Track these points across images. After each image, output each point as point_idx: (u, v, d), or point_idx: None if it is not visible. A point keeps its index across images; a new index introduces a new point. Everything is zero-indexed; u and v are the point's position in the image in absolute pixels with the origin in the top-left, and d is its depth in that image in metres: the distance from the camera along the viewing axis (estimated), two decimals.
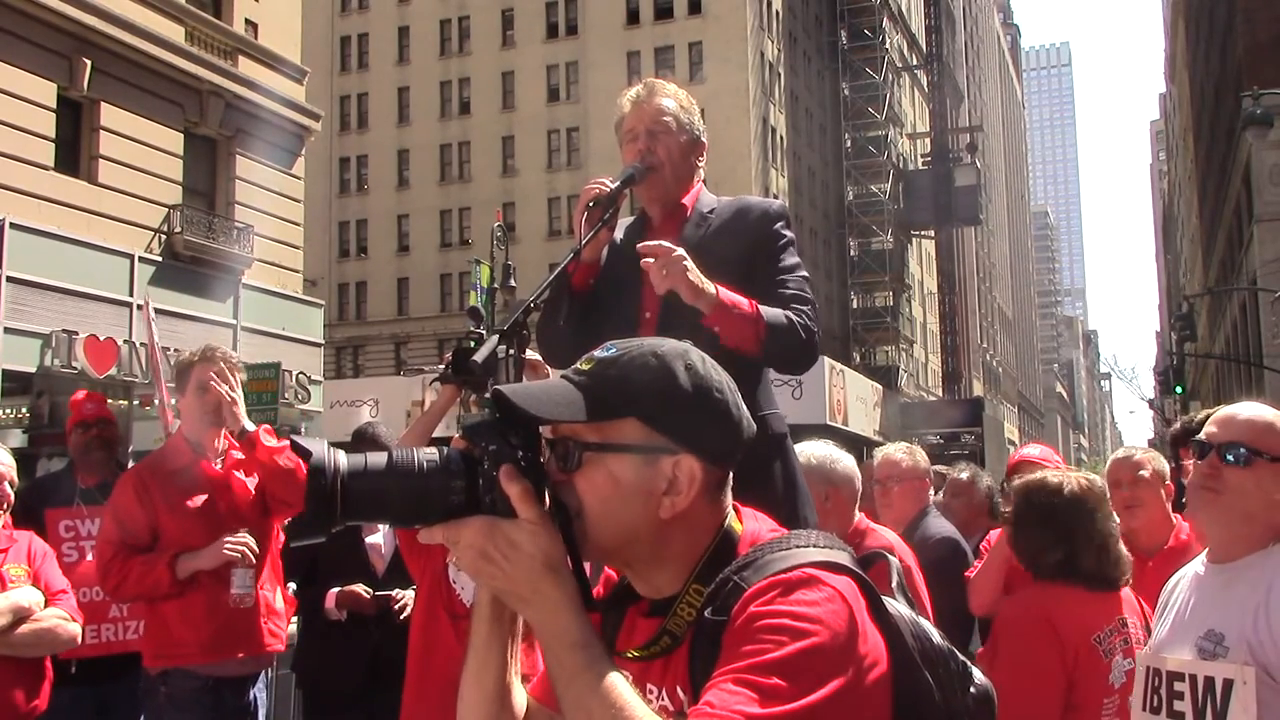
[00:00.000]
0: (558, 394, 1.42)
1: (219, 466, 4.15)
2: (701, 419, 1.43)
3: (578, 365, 1.47)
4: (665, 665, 1.43)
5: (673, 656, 1.40)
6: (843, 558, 1.39)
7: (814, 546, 1.39)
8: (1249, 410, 2.40)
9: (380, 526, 4.62)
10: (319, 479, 1.30)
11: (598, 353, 1.46)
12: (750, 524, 1.49)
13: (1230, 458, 2.32)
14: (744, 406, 1.48)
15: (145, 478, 4.06)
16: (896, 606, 1.40)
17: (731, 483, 1.50)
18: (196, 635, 3.92)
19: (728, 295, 2.72)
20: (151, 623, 4.06)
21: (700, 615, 1.38)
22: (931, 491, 4.96)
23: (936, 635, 1.42)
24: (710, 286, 2.69)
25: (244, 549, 3.98)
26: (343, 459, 1.32)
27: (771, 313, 2.81)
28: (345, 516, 1.31)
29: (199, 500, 4.04)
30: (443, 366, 2.54)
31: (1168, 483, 3.97)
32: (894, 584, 1.47)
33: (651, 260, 2.65)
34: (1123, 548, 3.13)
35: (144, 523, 3.97)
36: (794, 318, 2.85)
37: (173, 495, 4.02)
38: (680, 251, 2.66)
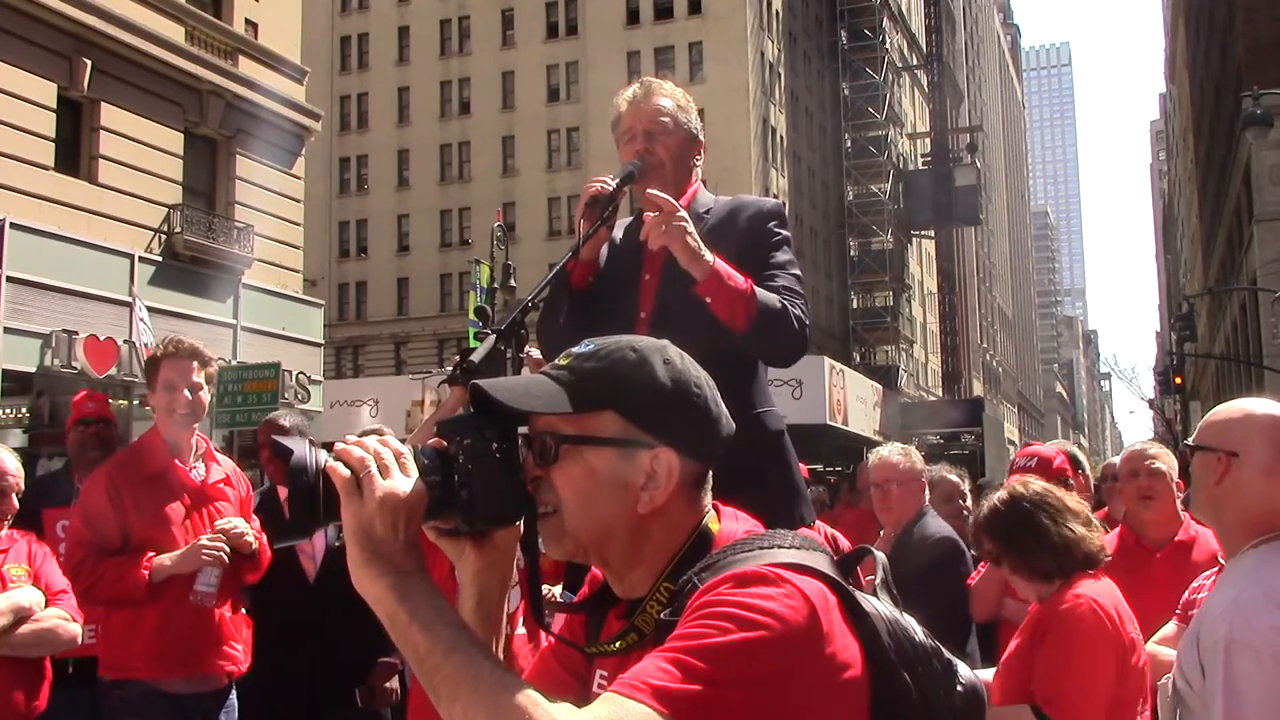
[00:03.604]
0: (537, 388, 1.42)
1: (199, 470, 4.04)
2: (680, 413, 1.42)
3: (556, 361, 1.47)
4: (637, 662, 1.42)
5: (642, 653, 1.37)
6: (814, 559, 1.35)
7: (782, 548, 1.37)
8: (1215, 411, 2.45)
9: None
10: (300, 478, 1.29)
11: (575, 349, 1.47)
12: (728, 524, 1.47)
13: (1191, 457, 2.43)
14: (723, 405, 1.48)
15: (116, 479, 3.90)
16: (876, 605, 1.38)
17: (720, 479, 1.49)
18: (144, 650, 3.80)
19: (723, 267, 2.70)
20: (104, 630, 3.95)
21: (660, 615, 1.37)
22: (927, 492, 4.96)
23: (919, 633, 1.40)
24: (707, 253, 2.68)
25: (220, 552, 3.87)
26: (324, 457, 1.31)
27: (766, 295, 2.79)
28: (328, 516, 1.30)
29: (173, 506, 3.92)
30: (450, 368, 2.54)
31: (1178, 479, 4.00)
32: (878, 581, 1.44)
33: (653, 214, 2.64)
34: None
35: (114, 525, 3.83)
36: (788, 305, 2.83)
37: (144, 499, 3.89)
38: (684, 214, 2.66)
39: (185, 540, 3.90)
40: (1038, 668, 2.88)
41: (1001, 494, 3.17)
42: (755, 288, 2.77)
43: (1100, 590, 2.97)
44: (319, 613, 4.39)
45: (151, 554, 3.83)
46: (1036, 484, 3.19)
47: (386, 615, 1.28)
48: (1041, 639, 2.92)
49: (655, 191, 2.70)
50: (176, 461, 4.00)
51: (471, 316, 23.47)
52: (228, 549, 3.91)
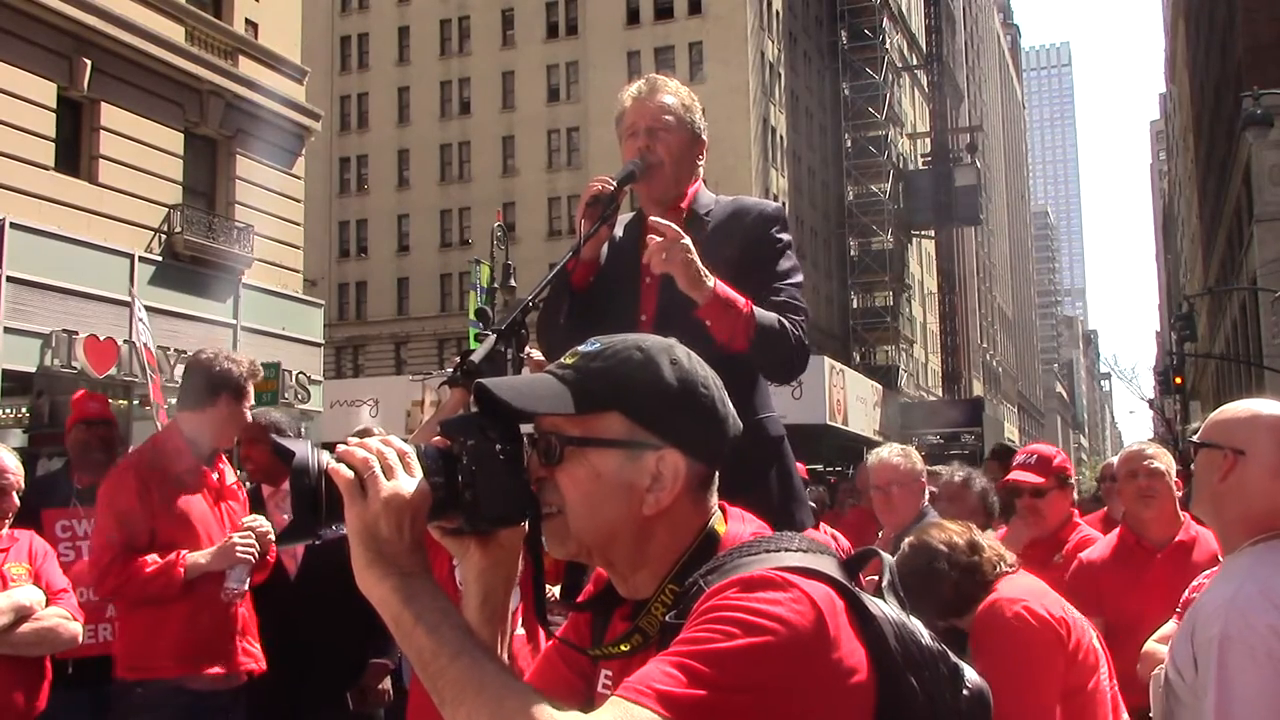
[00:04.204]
0: (541, 388, 1.40)
1: (216, 475, 4.11)
2: (686, 414, 1.40)
3: (561, 360, 1.45)
4: (642, 664, 1.41)
5: (647, 656, 1.36)
6: (821, 562, 1.34)
7: (789, 551, 1.36)
8: (1222, 409, 2.45)
9: None
10: (302, 480, 1.28)
11: (582, 347, 1.45)
12: (735, 525, 1.45)
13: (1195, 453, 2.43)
14: (730, 404, 1.46)
15: (145, 478, 3.95)
16: (882, 608, 1.36)
17: (720, 484, 1.48)
18: (171, 648, 3.82)
19: (724, 290, 2.71)
20: (124, 630, 3.96)
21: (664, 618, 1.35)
22: (927, 492, 4.95)
23: (926, 636, 1.38)
24: (709, 279, 2.68)
25: (252, 550, 3.94)
26: (326, 458, 1.30)
27: (765, 315, 2.80)
28: (330, 518, 1.30)
29: (197, 505, 3.98)
30: (450, 370, 2.53)
31: (1176, 479, 4.01)
32: (885, 583, 1.42)
33: (657, 238, 2.64)
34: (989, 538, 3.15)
35: (145, 523, 3.87)
36: (787, 324, 2.84)
37: (171, 498, 3.93)
38: (687, 240, 2.66)
39: (208, 538, 3.94)
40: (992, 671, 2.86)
41: (920, 534, 3.15)
42: (754, 308, 2.77)
43: (1020, 587, 2.94)
44: (301, 610, 4.38)
45: (183, 551, 3.86)
46: (913, 540, 3.15)
47: (391, 617, 1.27)
48: (977, 660, 2.91)
49: (659, 220, 2.70)
50: (203, 466, 4.08)
51: (472, 317, 23.49)
52: (258, 545, 3.98)
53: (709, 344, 2.62)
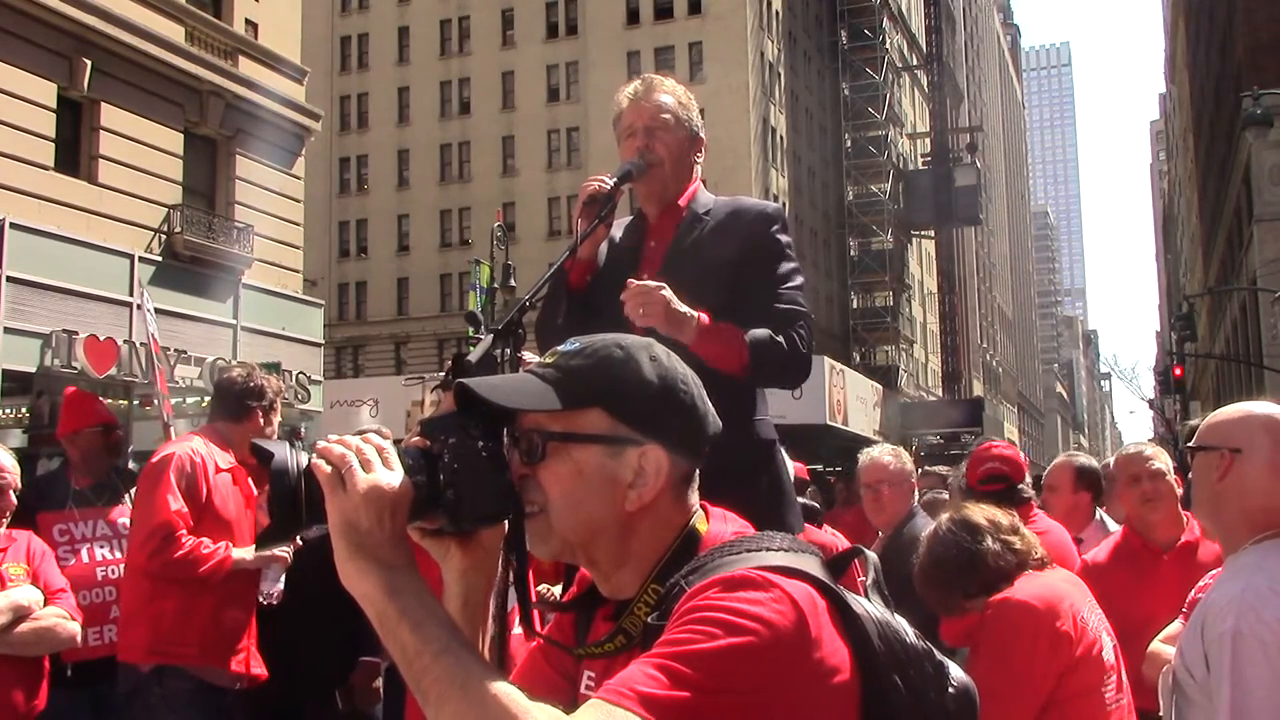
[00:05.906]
0: (523, 385, 1.41)
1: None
2: (667, 410, 1.41)
3: (542, 359, 1.46)
4: (625, 665, 1.41)
5: (631, 656, 1.34)
6: (804, 562, 1.34)
7: (770, 550, 1.35)
8: (1216, 413, 2.46)
9: None
10: (282, 481, 1.28)
11: (561, 347, 1.46)
12: (716, 525, 1.45)
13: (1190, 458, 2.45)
14: (709, 402, 1.47)
15: (205, 469, 4.16)
16: (866, 607, 1.35)
17: (709, 486, 1.48)
18: (200, 636, 3.94)
19: (708, 323, 2.70)
20: (147, 615, 4.01)
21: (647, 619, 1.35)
22: (917, 492, 4.97)
23: (911, 635, 1.38)
24: (692, 318, 2.67)
25: (289, 554, 4.15)
26: (305, 460, 1.30)
27: (757, 335, 2.79)
28: (311, 519, 1.29)
29: (237, 504, 4.18)
30: (444, 373, 2.53)
31: (1175, 476, 4.00)
32: (869, 581, 1.42)
33: (633, 296, 2.64)
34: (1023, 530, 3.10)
35: (199, 510, 4.06)
36: (781, 337, 2.83)
37: (219, 494, 4.15)
38: (665, 291, 2.65)
39: (241, 538, 4.12)
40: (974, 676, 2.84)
41: (949, 518, 3.10)
42: (744, 334, 2.76)
43: (1036, 585, 2.90)
44: (284, 610, 4.39)
45: (229, 543, 4.04)
46: (954, 516, 3.11)
47: (375, 613, 1.26)
48: (975, 650, 2.90)
49: (635, 282, 2.69)
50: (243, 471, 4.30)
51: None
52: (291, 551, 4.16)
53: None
